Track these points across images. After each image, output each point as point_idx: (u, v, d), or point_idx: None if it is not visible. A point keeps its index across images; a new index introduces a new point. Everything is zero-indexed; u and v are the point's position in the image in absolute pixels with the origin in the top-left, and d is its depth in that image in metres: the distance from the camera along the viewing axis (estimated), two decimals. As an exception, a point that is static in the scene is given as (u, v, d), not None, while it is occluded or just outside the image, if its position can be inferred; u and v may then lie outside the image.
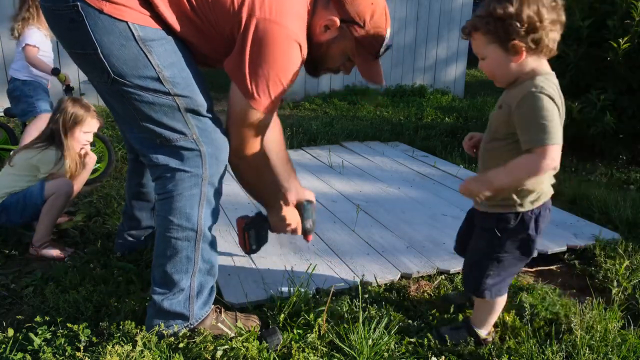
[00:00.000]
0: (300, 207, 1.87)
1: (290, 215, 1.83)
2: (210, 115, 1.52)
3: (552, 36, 1.36)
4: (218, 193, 1.58)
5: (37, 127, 3.25)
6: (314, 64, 1.63)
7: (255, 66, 1.42)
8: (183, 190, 1.50)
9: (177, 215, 1.51)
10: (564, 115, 1.39)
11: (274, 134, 1.84)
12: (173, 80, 1.43)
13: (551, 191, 1.50)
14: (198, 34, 1.47)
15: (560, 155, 1.31)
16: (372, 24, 1.55)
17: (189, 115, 1.47)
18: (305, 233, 1.90)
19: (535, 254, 2.27)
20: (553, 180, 1.49)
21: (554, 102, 1.33)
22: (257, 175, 1.69)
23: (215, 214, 1.59)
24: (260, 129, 1.55)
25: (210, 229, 1.58)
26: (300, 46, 1.48)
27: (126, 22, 1.34)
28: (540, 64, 1.40)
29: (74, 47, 1.41)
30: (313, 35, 1.55)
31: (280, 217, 1.81)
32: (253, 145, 1.57)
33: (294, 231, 1.87)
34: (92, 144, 3.10)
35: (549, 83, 1.36)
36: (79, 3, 1.32)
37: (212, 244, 1.60)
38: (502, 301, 1.63)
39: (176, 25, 1.43)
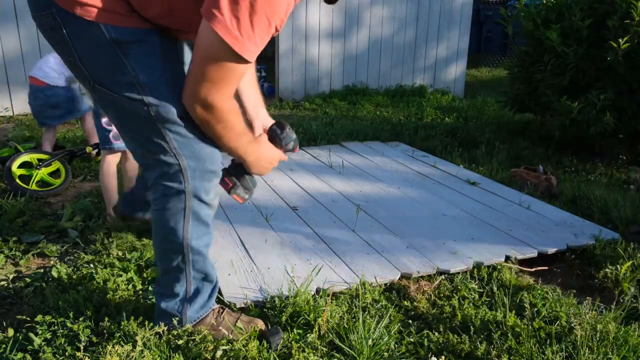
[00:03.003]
0: (273, 135, 1.68)
1: (267, 154, 1.59)
2: (190, 126, 1.39)
3: None
4: (206, 204, 1.50)
5: (90, 123, 3.51)
6: None
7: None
8: (167, 204, 1.46)
9: (163, 229, 1.50)
10: None
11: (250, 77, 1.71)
12: (150, 86, 1.32)
13: None
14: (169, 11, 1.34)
15: None
16: None
17: (166, 126, 1.36)
18: (292, 150, 1.72)
19: (535, 254, 2.29)
20: None
21: None
22: (229, 129, 1.39)
23: (204, 225, 1.53)
24: (237, 72, 1.28)
25: (200, 240, 1.53)
26: None
27: (98, 23, 1.25)
28: None
29: (60, 54, 1.37)
30: None
31: (258, 162, 1.56)
32: (225, 92, 1.29)
33: (282, 160, 1.67)
34: (49, 164, 3.19)
35: None
36: (53, 9, 1.26)
37: (204, 255, 1.57)
38: None
39: (146, 10, 1.31)
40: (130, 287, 1.93)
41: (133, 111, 1.35)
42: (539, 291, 1.98)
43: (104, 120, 2.51)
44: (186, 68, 1.49)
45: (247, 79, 1.72)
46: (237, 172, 1.63)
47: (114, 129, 2.56)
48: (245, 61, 1.26)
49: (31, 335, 1.62)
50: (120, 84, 1.32)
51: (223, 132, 1.38)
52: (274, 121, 1.76)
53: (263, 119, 1.75)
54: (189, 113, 1.36)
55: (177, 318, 1.61)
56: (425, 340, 1.69)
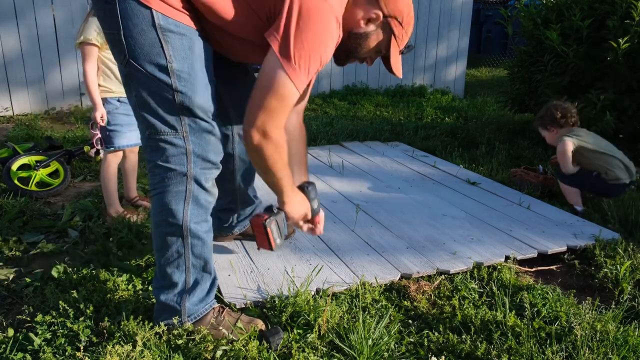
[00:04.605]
0: (303, 190, 1.77)
1: (302, 200, 1.73)
2: (206, 119, 1.51)
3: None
4: (206, 191, 1.58)
5: None
6: (346, 53, 1.62)
7: (300, 35, 1.39)
8: (168, 187, 1.53)
9: (163, 211, 1.55)
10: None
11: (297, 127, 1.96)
12: (180, 74, 1.44)
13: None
14: (231, 23, 1.49)
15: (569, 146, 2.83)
16: (406, 22, 1.59)
17: (184, 112, 1.48)
18: (314, 215, 1.80)
19: (535, 254, 2.29)
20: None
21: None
22: (279, 157, 1.54)
23: (204, 211, 1.59)
24: (290, 102, 1.47)
25: (199, 225, 1.58)
26: (338, 24, 1.48)
27: (151, 9, 1.38)
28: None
29: (104, 26, 1.47)
30: (352, 25, 1.56)
31: (295, 204, 1.70)
32: (279, 121, 1.48)
33: (307, 218, 1.77)
34: (47, 165, 3.18)
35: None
36: None
37: (203, 240, 1.60)
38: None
39: (211, 14, 1.45)
40: (130, 287, 1.93)
41: (158, 92, 1.46)
42: (539, 291, 1.98)
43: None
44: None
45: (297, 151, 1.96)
46: (276, 213, 1.70)
47: (115, 128, 2.56)
48: (297, 92, 1.45)
49: (31, 335, 1.62)
50: (154, 64, 1.43)
51: (276, 158, 1.52)
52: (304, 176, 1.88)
53: None
54: (211, 112, 1.52)
55: (176, 317, 1.61)
56: (425, 340, 1.69)
